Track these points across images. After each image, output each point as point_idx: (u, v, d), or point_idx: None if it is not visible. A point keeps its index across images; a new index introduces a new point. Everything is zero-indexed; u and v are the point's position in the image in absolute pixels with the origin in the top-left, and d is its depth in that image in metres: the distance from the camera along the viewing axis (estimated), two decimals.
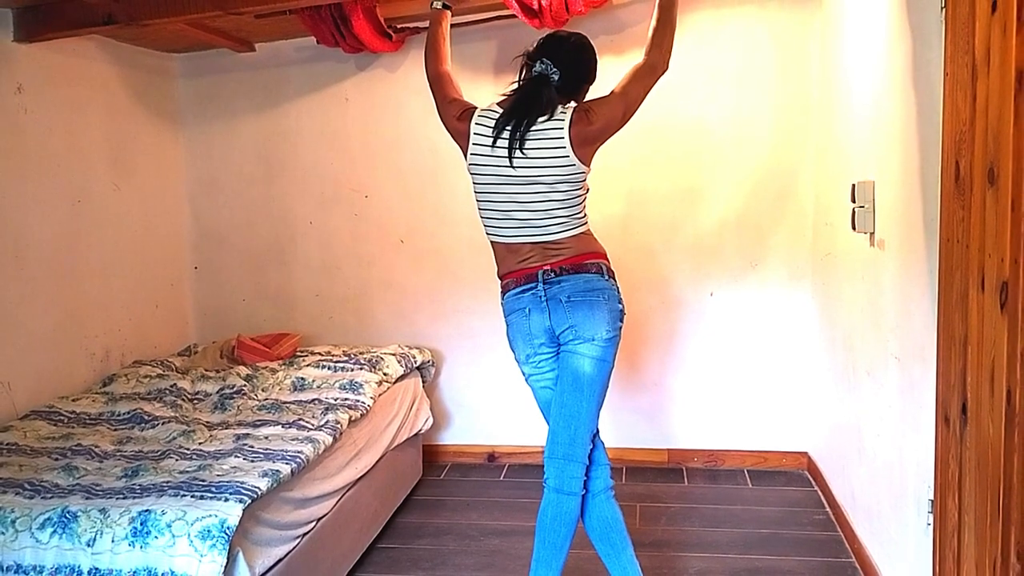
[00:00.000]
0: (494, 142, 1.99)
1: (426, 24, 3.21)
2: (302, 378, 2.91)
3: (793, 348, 3.26)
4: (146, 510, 1.80)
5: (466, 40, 3.26)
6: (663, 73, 2.08)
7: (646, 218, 3.31)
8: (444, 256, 3.49)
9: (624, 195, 3.29)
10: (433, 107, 3.44)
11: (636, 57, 3.27)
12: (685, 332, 3.34)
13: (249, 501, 1.84)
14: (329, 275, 3.61)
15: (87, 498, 1.90)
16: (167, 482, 1.97)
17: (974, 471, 1.47)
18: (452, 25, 3.30)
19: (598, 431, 2.16)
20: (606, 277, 2.04)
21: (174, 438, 2.38)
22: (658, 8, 2.09)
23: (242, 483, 1.91)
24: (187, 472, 2.05)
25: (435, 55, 2.26)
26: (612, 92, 2.03)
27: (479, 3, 2.96)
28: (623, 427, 3.41)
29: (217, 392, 2.83)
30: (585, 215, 2.10)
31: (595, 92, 2.12)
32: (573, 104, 2.05)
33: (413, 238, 3.50)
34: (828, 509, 2.91)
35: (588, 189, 2.10)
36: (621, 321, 2.06)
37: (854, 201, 2.31)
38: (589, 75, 2.13)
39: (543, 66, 2.02)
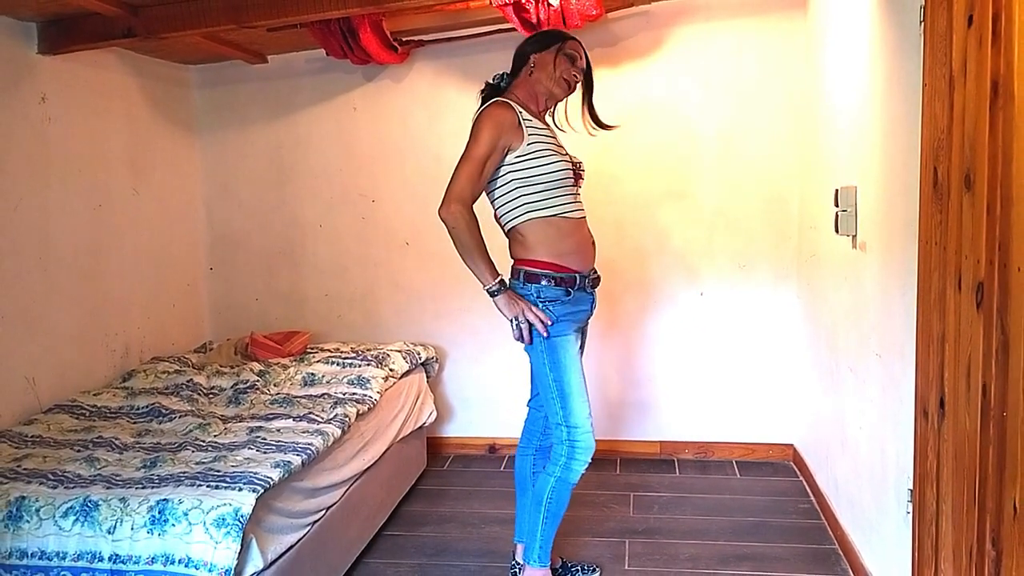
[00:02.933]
0: None
1: (430, 36, 3.31)
2: (312, 374, 2.95)
3: (779, 345, 3.30)
4: (164, 499, 1.84)
5: (468, 52, 3.33)
6: (440, 208, 2.09)
7: (639, 221, 3.35)
8: (447, 258, 3.47)
9: (619, 199, 3.34)
10: (436, 115, 3.59)
11: (630, 69, 3.38)
12: (676, 330, 3.38)
13: (262, 491, 1.88)
14: (338, 276, 3.66)
15: (108, 488, 1.93)
16: (184, 472, 2.00)
17: (951, 462, 1.50)
18: (454, 38, 3.37)
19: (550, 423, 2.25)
20: (523, 283, 2.10)
21: (190, 431, 2.41)
22: (462, 247, 2.08)
23: (255, 473, 1.95)
24: (203, 463, 2.09)
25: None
26: (478, 158, 2.08)
27: (481, 17, 3.02)
28: (617, 420, 3.46)
29: (231, 387, 2.86)
30: (513, 214, 2.10)
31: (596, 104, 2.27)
32: (499, 99, 2.12)
33: (418, 241, 3.55)
34: (812, 498, 2.95)
35: (519, 192, 2.07)
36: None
37: (837, 205, 2.32)
38: (521, 63, 2.18)
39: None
